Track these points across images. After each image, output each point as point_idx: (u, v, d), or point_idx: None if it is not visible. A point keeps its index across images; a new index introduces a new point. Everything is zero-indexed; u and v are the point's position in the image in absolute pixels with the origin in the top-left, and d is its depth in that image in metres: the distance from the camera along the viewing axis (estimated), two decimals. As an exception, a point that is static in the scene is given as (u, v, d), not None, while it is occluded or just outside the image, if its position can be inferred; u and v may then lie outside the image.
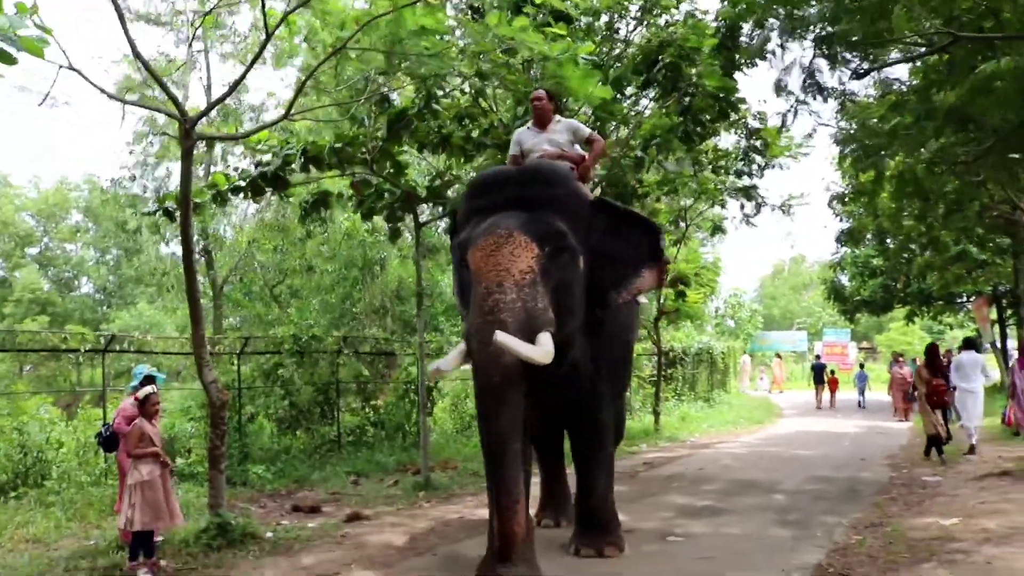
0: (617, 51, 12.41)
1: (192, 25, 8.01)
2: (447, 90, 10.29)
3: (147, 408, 6.95)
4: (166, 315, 34.82)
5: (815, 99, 12.81)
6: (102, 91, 7.44)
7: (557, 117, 6.96)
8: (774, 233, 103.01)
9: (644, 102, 12.73)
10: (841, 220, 22.64)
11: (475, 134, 10.43)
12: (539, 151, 6.59)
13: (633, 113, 12.58)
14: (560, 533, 7.43)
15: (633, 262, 5.79)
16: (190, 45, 8.28)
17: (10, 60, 5.40)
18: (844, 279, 29.09)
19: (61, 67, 6.81)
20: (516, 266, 5.06)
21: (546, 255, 5.21)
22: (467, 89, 10.43)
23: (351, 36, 8.08)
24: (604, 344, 6.17)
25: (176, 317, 32.48)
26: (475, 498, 9.73)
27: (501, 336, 4.69)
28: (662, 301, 18.15)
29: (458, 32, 9.47)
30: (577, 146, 6.79)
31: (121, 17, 7.00)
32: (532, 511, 7.47)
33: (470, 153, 10.56)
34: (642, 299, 6.90)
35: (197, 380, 8.24)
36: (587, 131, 6.88)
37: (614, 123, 12.30)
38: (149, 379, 7.33)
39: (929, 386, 12.67)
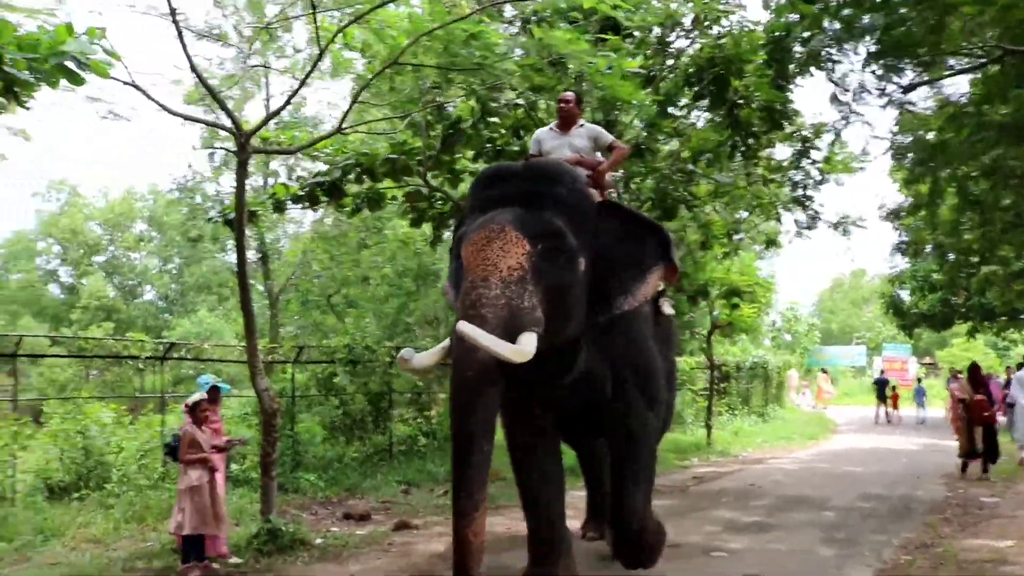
0: (669, 63, 12.41)
1: (248, 41, 8.31)
2: (501, 103, 10.39)
3: (197, 414, 7.17)
4: (227, 322, 35.52)
5: (870, 101, 12.60)
6: (162, 106, 7.70)
7: (581, 121, 6.75)
8: (833, 246, 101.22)
9: (695, 113, 12.73)
10: (900, 233, 22.22)
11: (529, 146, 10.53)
12: (558, 155, 6.37)
13: (686, 125, 12.57)
14: (604, 546, 7.40)
15: (639, 267, 5.44)
16: (246, 60, 8.64)
17: (79, 81, 5.68)
18: (904, 293, 28.53)
19: (124, 84, 7.11)
20: (504, 262, 4.78)
21: (539, 253, 4.89)
22: (520, 102, 10.52)
23: (403, 49, 8.25)
24: (623, 351, 5.80)
25: (236, 324, 33.08)
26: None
27: (466, 328, 4.43)
28: (715, 314, 18.03)
29: (509, 43, 9.56)
30: (598, 153, 6.62)
31: (180, 36, 7.23)
32: (576, 523, 7.56)
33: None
34: (668, 309, 6.62)
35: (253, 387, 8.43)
36: (609, 138, 6.69)
37: (663, 137, 12.33)
38: (215, 389, 7.52)
39: (971, 402, 12.55)
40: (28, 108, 5.73)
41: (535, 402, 5.77)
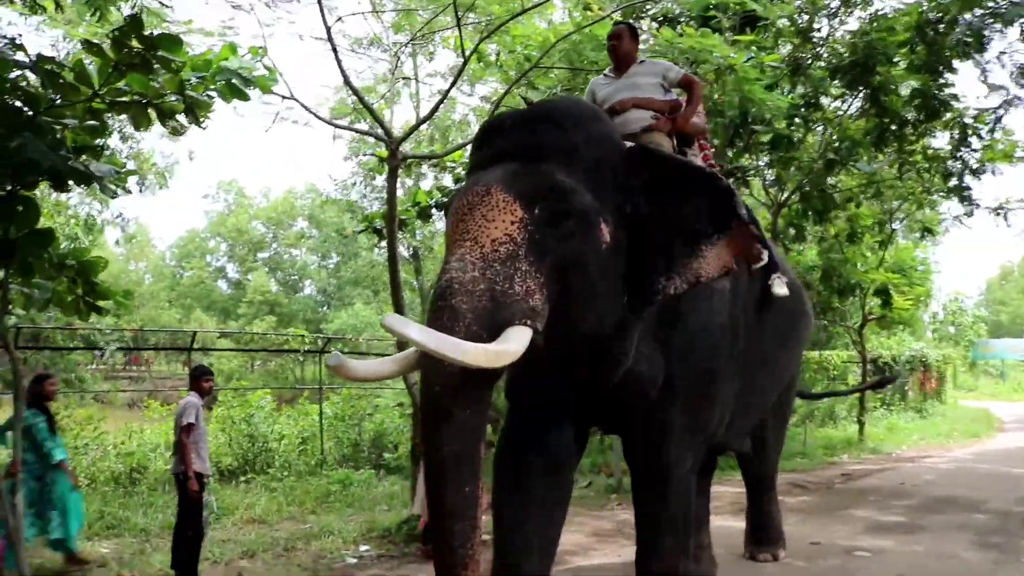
0: (817, 52, 12.17)
1: (395, 54, 8.88)
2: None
3: None
4: (381, 315, 36.87)
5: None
6: (318, 117, 8.27)
7: (641, 59, 5.28)
8: (1002, 233, 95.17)
9: (847, 102, 12.44)
10: (1072, 220, 20.84)
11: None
12: (615, 101, 4.95)
13: (835, 116, 12.31)
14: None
15: (688, 235, 3.95)
16: (393, 72, 9.20)
17: (244, 96, 6.20)
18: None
19: (284, 98, 7.69)
20: (487, 234, 3.51)
21: (537, 219, 3.57)
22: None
23: (543, 54, 8.55)
24: (678, 350, 4.39)
25: (389, 317, 34.21)
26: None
27: (397, 325, 3.15)
28: (867, 307, 17.53)
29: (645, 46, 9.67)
30: (673, 92, 5.12)
31: (336, 54, 7.71)
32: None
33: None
34: (780, 288, 5.08)
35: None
36: (680, 72, 5.18)
37: (809, 125, 12.13)
38: None
39: None
40: (205, 128, 6.27)
41: (569, 412, 4.55)
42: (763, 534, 7.04)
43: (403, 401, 13.72)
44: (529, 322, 3.46)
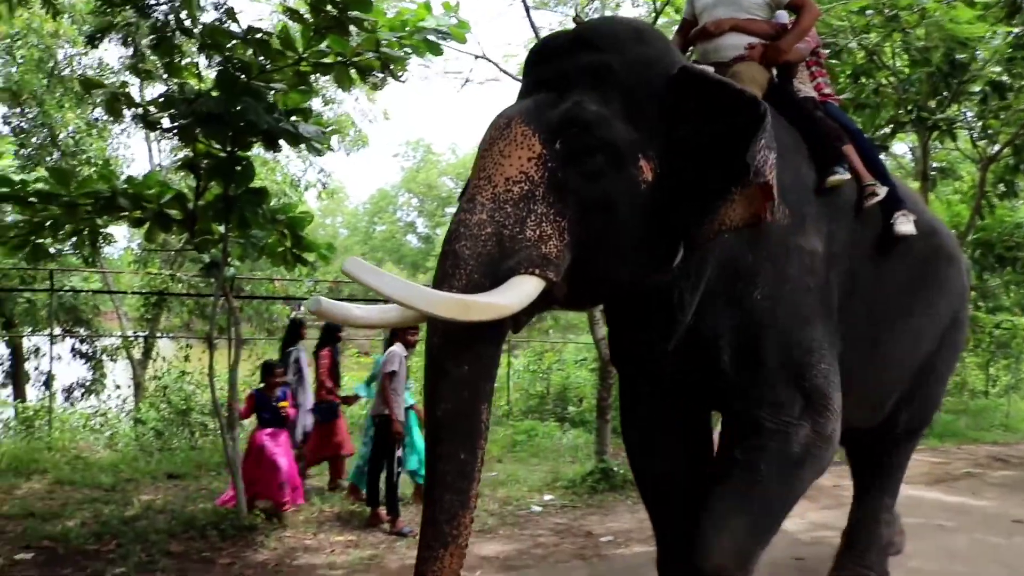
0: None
1: (582, 9, 8.99)
2: (840, 47, 10.02)
3: None
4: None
5: None
6: (508, 74, 8.44)
7: None
8: None
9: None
10: None
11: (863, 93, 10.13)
12: (714, 15, 4.13)
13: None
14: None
15: (722, 174, 3.16)
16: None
17: (438, 51, 6.40)
18: None
19: (477, 57, 7.90)
20: (501, 171, 3.08)
21: (559, 156, 3.07)
22: (854, 46, 10.07)
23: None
24: (754, 304, 3.57)
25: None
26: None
27: (350, 265, 2.76)
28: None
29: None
30: (782, 13, 4.19)
31: (527, 7, 7.84)
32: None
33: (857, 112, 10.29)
34: (905, 226, 4.05)
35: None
36: None
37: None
38: None
39: None
40: (403, 82, 6.54)
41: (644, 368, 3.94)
42: (856, 553, 5.06)
43: (586, 356, 13.89)
44: (539, 271, 2.98)
